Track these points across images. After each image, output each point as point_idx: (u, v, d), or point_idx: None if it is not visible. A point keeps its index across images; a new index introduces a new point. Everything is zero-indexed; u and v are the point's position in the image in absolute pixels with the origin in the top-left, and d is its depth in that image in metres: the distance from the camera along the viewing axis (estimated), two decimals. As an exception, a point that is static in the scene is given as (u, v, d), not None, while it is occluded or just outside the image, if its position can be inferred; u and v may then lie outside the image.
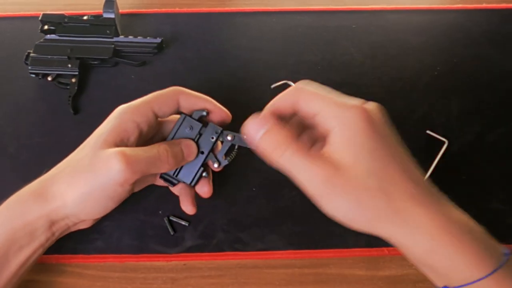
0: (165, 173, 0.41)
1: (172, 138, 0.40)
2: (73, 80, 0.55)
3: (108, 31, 0.58)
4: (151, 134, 0.42)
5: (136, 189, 0.43)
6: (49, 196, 0.37)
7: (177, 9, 0.68)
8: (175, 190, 0.43)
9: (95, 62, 0.57)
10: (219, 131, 0.40)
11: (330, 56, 0.60)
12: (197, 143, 0.40)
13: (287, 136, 0.33)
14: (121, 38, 0.58)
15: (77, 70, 0.55)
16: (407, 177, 0.32)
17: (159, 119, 0.41)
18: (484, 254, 0.31)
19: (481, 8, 0.68)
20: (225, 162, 0.41)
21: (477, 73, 0.59)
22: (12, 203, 0.38)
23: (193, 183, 0.41)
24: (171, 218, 0.46)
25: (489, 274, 0.30)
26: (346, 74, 0.58)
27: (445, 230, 0.31)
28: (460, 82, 0.57)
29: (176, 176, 0.41)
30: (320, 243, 0.45)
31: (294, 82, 0.54)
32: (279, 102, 0.36)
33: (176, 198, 0.45)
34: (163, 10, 0.68)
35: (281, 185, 0.48)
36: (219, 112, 0.41)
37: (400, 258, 0.44)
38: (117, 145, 0.37)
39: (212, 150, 0.41)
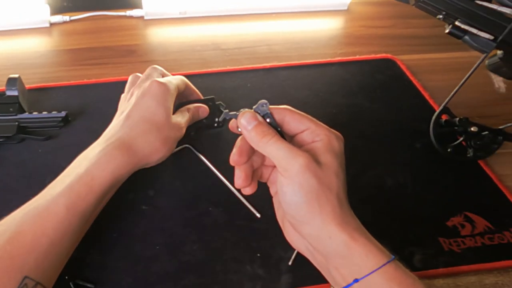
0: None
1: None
2: (-22, 159, 0.57)
3: (11, 109, 0.61)
4: None
5: None
6: (144, 152, 0.50)
7: (84, 81, 0.72)
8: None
9: (0, 140, 0.60)
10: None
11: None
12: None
13: (273, 130, 0.42)
14: (25, 114, 0.61)
15: (-18, 149, 0.58)
16: (347, 197, 0.42)
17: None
18: (382, 249, 0.40)
19: (355, 60, 0.78)
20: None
21: (351, 121, 0.67)
22: (116, 154, 0.48)
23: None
24: (76, 281, 0.48)
25: (389, 261, 0.38)
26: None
27: (362, 230, 0.41)
28: (338, 131, 0.65)
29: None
30: None
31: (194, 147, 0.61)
32: (271, 111, 0.43)
33: (79, 261, 0.49)
34: (71, 82, 0.72)
35: (183, 241, 0.52)
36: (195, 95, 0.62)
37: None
38: (172, 111, 0.54)
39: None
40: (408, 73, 0.75)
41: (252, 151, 0.45)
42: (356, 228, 0.40)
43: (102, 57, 0.79)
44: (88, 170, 0.47)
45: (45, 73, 0.75)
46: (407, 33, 0.87)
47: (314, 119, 0.44)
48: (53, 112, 0.63)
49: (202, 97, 0.63)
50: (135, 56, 0.80)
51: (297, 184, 0.39)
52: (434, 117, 0.62)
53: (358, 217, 0.54)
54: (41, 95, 0.69)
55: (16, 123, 0.60)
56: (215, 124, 0.64)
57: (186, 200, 0.56)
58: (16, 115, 0.61)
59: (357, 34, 0.87)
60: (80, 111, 0.66)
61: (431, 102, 0.70)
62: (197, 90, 0.62)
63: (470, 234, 0.54)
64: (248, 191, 0.46)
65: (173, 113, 0.55)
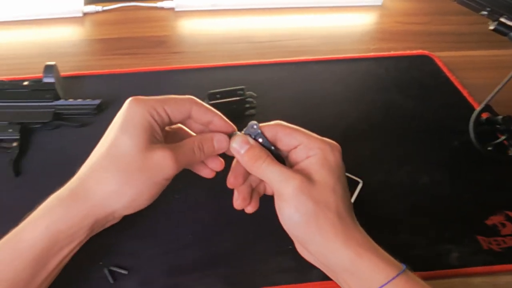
0: None
1: None
2: (15, 144, 0.58)
3: (48, 96, 0.61)
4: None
5: None
6: (95, 196, 0.39)
7: (116, 70, 0.73)
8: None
9: (37, 126, 0.61)
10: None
11: (260, 107, 0.65)
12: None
13: (265, 152, 0.41)
14: (61, 101, 0.62)
15: (19, 134, 0.58)
16: (350, 210, 0.41)
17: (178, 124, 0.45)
18: (391, 261, 0.39)
19: (390, 55, 0.77)
20: None
21: (385, 117, 0.66)
22: (54, 205, 0.39)
23: None
24: (110, 268, 0.48)
25: (399, 274, 0.37)
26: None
27: (369, 244, 0.39)
28: (372, 126, 0.64)
29: None
30: (251, 282, 0.48)
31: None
32: (263, 129, 0.42)
33: (114, 248, 0.49)
34: (104, 71, 0.72)
35: (215, 230, 0.52)
36: (224, 124, 0.44)
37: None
38: (152, 142, 0.40)
39: None
40: (445, 70, 0.74)
41: (248, 173, 0.43)
42: (362, 243, 0.39)
43: (133, 47, 0.79)
44: (17, 231, 0.38)
45: (78, 61, 0.75)
46: (444, 29, 0.85)
47: (307, 132, 0.42)
48: (88, 100, 0.63)
49: (226, 120, 0.47)
50: (166, 47, 0.80)
51: (293, 207, 0.39)
52: (475, 115, 0.60)
53: (390, 214, 0.54)
54: (74, 83, 0.69)
55: (53, 109, 0.61)
56: (246, 113, 0.64)
57: (218, 190, 0.56)
58: (52, 101, 0.62)
59: (391, 30, 0.85)
60: (112, 99, 0.67)
61: (470, 100, 0.68)
62: (218, 113, 0.44)
63: (511, 233, 0.52)
64: (249, 209, 0.45)
65: (176, 142, 0.43)
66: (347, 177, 0.56)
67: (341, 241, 0.38)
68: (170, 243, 0.51)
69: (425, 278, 0.39)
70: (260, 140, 0.42)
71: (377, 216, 0.54)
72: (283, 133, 0.42)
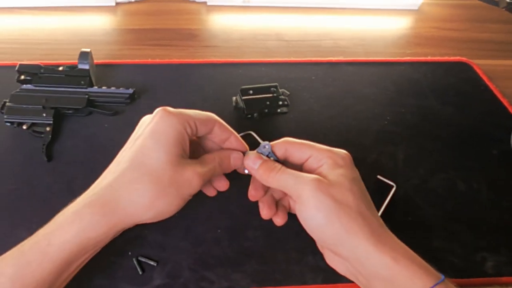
0: None
1: None
2: (48, 128, 0.58)
3: (82, 82, 0.61)
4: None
5: None
6: (126, 208, 0.39)
7: (149, 60, 0.72)
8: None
9: (69, 112, 0.61)
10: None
11: (291, 106, 0.65)
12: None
13: (278, 164, 0.43)
14: (95, 88, 0.62)
15: (52, 119, 0.58)
16: (375, 213, 0.41)
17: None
18: (429, 269, 0.38)
19: (426, 60, 0.76)
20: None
21: (421, 122, 0.65)
22: (85, 212, 0.38)
23: None
24: (139, 258, 0.48)
25: (437, 283, 0.36)
26: (306, 122, 0.63)
27: (403, 250, 0.39)
28: (406, 131, 0.63)
29: None
30: (282, 281, 0.48)
31: (256, 132, 0.59)
32: (272, 148, 0.44)
33: (143, 239, 0.48)
34: (136, 61, 0.72)
35: (245, 226, 0.51)
36: (239, 144, 0.46)
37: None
38: (182, 156, 0.41)
39: None
40: (484, 78, 0.72)
41: (266, 185, 0.45)
42: (396, 248, 0.38)
43: (165, 39, 0.79)
44: (47, 233, 0.38)
45: (110, 50, 0.75)
46: (482, 37, 0.84)
47: (315, 144, 0.43)
48: (121, 88, 0.63)
49: (241, 140, 0.47)
50: (197, 40, 0.80)
51: (313, 208, 0.39)
52: (516, 124, 0.59)
53: (424, 221, 0.53)
54: (106, 71, 0.69)
55: (86, 96, 0.61)
56: (278, 110, 0.63)
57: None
58: (86, 88, 0.61)
59: (427, 35, 0.84)
60: (144, 89, 0.66)
61: (510, 109, 0.67)
62: (235, 132, 0.45)
63: (548, 244, 0.51)
64: (279, 221, 0.46)
65: (195, 153, 0.44)
66: (380, 180, 0.56)
67: (373, 244, 0.38)
68: (199, 237, 0.50)
69: (459, 286, 0.39)
70: (272, 159, 0.44)
71: (411, 221, 0.53)
72: (293, 148, 0.43)
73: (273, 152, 0.44)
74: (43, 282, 0.38)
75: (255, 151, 0.45)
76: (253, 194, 0.46)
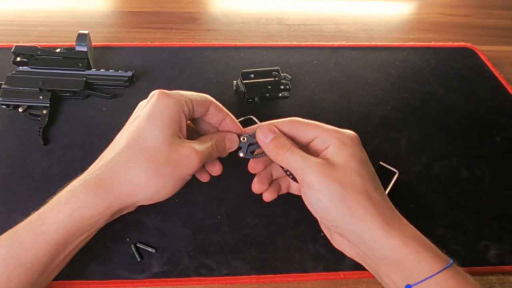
0: None
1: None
2: (44, 111, 0.57)
3: (80, 64, 0.60)
4: None
5: None
6: (122, 187, 0.38)
7: (148, 43, 0.71)
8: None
9: (67, 94, 0.59)
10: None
11: (293, 90, 0.64)
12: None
13: (290, 141, 0.42)
14: (93, 71, 0.61)
15: (49, 102, 0.57)
16: (384, 196, 0.40)
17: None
18: (438, 253, 0.37)
19: (430, 46, 0.74)
20: (249, 156, 0.46)
21: (424, 108, 0.64)
22: (80, 191, 0.38)
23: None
24: (138, 245, 0.48)
25: (445, 268, 0.36)
26: (308, 107, 0.63)
27: (412, 233, 0.38)
28: (409, 117, 0.62)
29: None
30: (281, 268, 0.47)
31: (257, 117, 0.58)
32: (279, 125, 0.44)
33: (142, 225, 0.47)
34: (135, 44, 0.71)
35: (245, 213, 0.51)
36: (235, 125, 0.46)
37: (355, 281, 0.46)
38: (178, 136, 0.41)
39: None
40: (489, 64, 0.71)
41: (268, 160, 0.46)
42: (405, 231, 0.38)
43: (165, 22, 0.78)
44: (41, 213, 0.38)
45: (108, 32, 0.74)
46: (487, 23, 0.82)
47: (322, 124, 0.43)
48: (120, 71, 0.62)
49: (237, 122, 0.47)
50: (198, 23, 0.78)
51: (319, 192, 0.39)
52: (521, 110, 0.58)
53: (426, 207, 0.52)
54: (104, 54, 0.68)
55: (84, 78, 0.60)
56: (280, 94, 0.62)
57: (251, 173, 0.54)
58: (84, 70, 0.60)
59: (431, 20, 0.83)
60: (143, 72, 0.65)
61: (515, 95, 0.66)
62: (230, 114, 0.46)
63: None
64: (267, 197, 0.47)
65: (190, 138, 0.43)
66: (382, 166, 0.55)
67: (381, 227, 0.37)
68: (198, 224, 0.50)
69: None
70: (257, 150, 0.45)
71: (413, 208, 0.52)
72: (299, 128, 0.43)
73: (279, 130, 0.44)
74: (38, 262, 0.37)
75: (268, 122, 0.44)
76: (252, 166, 0.46)
